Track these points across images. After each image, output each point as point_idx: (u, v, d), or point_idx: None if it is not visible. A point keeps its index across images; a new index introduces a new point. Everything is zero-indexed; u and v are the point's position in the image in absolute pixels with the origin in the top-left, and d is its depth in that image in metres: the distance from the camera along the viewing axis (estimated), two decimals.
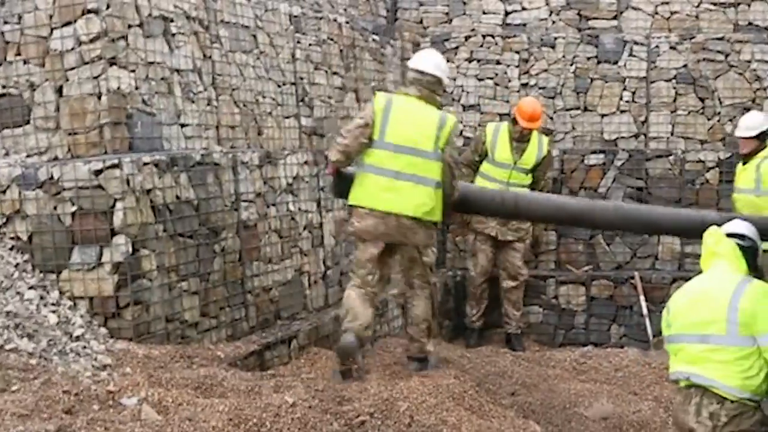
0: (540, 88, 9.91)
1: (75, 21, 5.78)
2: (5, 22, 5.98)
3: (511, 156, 8.84)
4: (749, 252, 5.06)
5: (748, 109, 9.50)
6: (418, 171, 6.08)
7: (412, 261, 6.36)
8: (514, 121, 8.84)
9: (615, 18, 10.06)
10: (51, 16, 5.85)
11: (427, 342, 6.57)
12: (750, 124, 8.43)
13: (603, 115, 9.82)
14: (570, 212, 6.79)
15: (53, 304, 5.45)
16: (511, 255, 9.05)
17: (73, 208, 5.57)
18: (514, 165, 8.85)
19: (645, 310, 9.11)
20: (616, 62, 9.78)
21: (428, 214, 6.15)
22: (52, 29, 5.85)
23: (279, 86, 7.52)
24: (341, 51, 8.55)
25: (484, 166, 9.00)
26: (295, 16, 7.79)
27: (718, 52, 9.59)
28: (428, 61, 6.32)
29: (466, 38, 10.08)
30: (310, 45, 7.99)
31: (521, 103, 8.99)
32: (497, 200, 6.90)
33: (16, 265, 5.60)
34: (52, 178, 5.62)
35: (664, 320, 5.22)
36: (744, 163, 8.51)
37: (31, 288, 5.47)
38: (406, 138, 6.08)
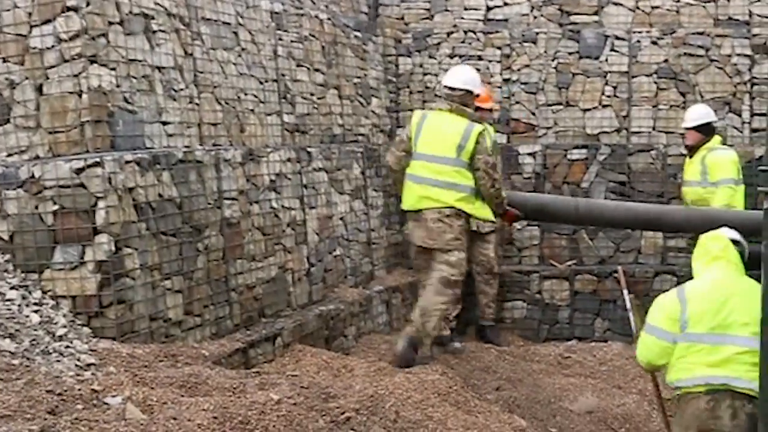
0: (522, 84, 9.93)
1: (54, 19, 5.73)
2: None
3: None
4: (743, 256, 5.35)
5: (728, 103, 9.58)
6: (447, 177, 6.86)
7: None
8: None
9: (596, 13, 10.09)
10: (30, 14, 5.79)
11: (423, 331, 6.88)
12: (692, 115, 8.61)
13: (585, 110, 9.85)
14: (643, 218, 7.05)
15: (35, 304, 5.41)
16: (484, 248, 9.07)
17: (55, 207, 5.54)
18: None
19: (629, 304, 9.13)
20: (597, 57, 9.80)
21: (453, 216, 6.86)
22: (31, 27, 5.79)
23: (261, 83, 7.49)
24: (323, 47, 8.53)
25: None
26: (277, 13, 7.77)
27: (699, 46, 9.63)
28: (457, 77, 7.14)
29: (448, 34, 10.09)
30: (291, 42, 7.97)
31: None
32: (572, 208, 7.57)
33: None
34: (33, 177, 5.58)
35: (669, 318, 5.20)
36: (690, 156, 8.66)
37: (12, 288, 5.43)
38: (433, 147, 6.92)
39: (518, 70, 9.95)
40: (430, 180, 6.90)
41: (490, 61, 9.99)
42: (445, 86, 7.16)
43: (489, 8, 10.28)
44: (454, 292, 6.99)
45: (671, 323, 5.18)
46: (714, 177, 8.37)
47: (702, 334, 5.04)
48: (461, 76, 7.14)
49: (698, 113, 8.60)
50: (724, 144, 8.80)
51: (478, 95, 7.39)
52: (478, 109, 8.69)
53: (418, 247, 7.08)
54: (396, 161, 7.18)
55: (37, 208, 5.57)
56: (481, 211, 7.05)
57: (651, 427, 6.63)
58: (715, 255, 5.33)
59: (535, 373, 7.53)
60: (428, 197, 6.88)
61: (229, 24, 7.09)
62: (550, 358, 8.15)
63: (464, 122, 6.93)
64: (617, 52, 9.76)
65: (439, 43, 10.10)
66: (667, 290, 9.28)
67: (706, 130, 8.56)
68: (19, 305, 5.31)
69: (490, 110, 8.98)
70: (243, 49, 7.25)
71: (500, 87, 9.93)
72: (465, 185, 6.88)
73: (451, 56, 10.04)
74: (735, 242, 5.38)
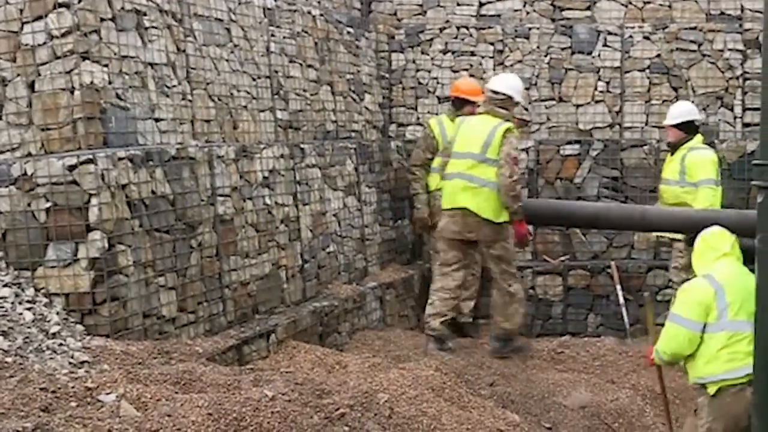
0: None
1: (46, 15, 5.72)
2: None
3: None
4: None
5: (721, 98, 9.60)
6: (476, 173, 7.52)
7: (485, 254, 7.84)
8: (461, 106, 8.82)
9: (589, 8, 10.10)
10: (21, 11, 5.77)
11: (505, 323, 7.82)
12: (676, 112, 8.46)
13: (578, 106, 9.86)
14: (694, 221, 7.06)
15: (28, 302, 5.40)
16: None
17: (48, 204, 5.52)
18: None
19: (621, 300, 9.16)
20: (590, 53, 9.81)
21: (487, 211, 7.47)
22: (22, 23, 5.78)
23: (254, 79, 7.48)
24: (316, 44, 8.53)
25: (439, 161, 8.97)
26: (269, 9, 7.76)
27: (691, 41, 9.65)
28: (500, 82, 7.79)
29: (441, 30, 10.08)
30: (284, 38, 7.96)
31: (456, 84, 9.14)
32: (636, 216, 7.67)
33: None
34: (25, 174, 5.56)
35: (701, 306, 5.18)
36: (671, 154, 8.52)
37: (5, 285, 5.42)
38: (465, 145, 7.64)
39: (511, 65, 9.94)
40: (460, 174, 7.61)
41: (482, 57, 9.99)
42: (489, 89, 7.76)
43: (482, 4, 10.28)
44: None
45: (702, 312, 5.13)
46: (694, 177, 8.23)
47: (744, 323, 5.01)
48: (505, 81, 7.78)
49: (682, 110, 8.48)
50: (710, 143, 8.82)
51: (518, 103, 7.91)
52: (466, 102, 8.77)
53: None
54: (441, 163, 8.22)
55: (29, 205, 5.56)
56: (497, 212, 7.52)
57: (644, 421, 6.65)
58: (725, 252, 5.35)
59: (529, 368, 7.54)
60: (460, 191, 7.59)
61: (221, 20, 7.08)
62: (544, 354, 8.16)
63: (495, 121, 7.54)
64: (610, 47, 9.77)
65: (431, 39, 10.09)
66: (660, 285, 9.42)
67: (689, 128, 8.42)
68: (12, 303, 5.30)
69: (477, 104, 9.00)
70: (235, 46, 7.24)
71: None
72: (490, 181, 7.48)
73: (444, 52, 10.04)
74: None
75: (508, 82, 7.76)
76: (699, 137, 8.54)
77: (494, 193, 7.48)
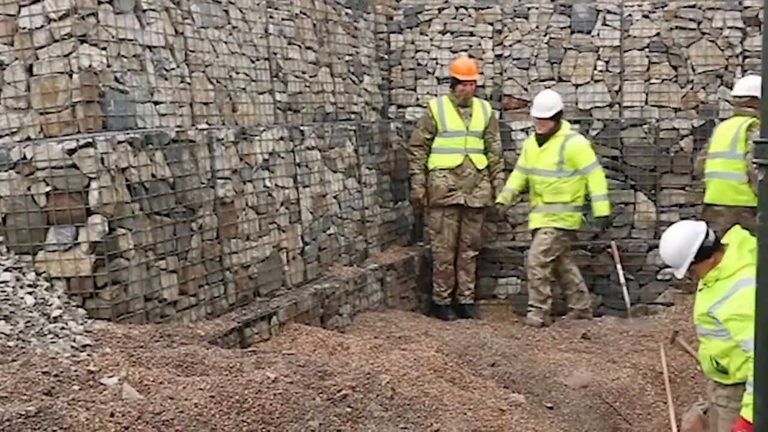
0: (514, 59, 9.89)
1: None
2: None
3: (462, 122, 9.04)
4: None
5: (720, 77, 9.56)
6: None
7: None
8: (453, 86, 9.05)
9: None
10: None
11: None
12: (547, 104, 8.65)
13: (577, 85, 9.82)
14: None
15: (30, 286, 5.40)
16: (472, 226, 9.19)
17: (48, 189, 5.52)
18: (467, 131, 8.99)
19: (622, 279, 9.18)
20: (589, 32, 9.77)
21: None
22: (20, 6, 5.75)
23: (252, 62, 7.46)
24: (314, 25, 8.49)
25: (438, 142, 9.07)
26: None
27: (691, 19, 9.60)
28: (742, 85, 8.26)
29: (440, 10, 10.03)
30: (282, 19, 7.92)
31: (453, 63, 9.29)
32: None
33: None
34: (25, 158, 5.55)
35: None
36: (540, 144, 8.70)
37: (6, 270, 5.42)
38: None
39: (510, 45, 9.91)
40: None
41: (482, 37, 9.95)
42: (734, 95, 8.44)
43: None
44: None
45: None
46: (580, 164, 8.58)
47: None
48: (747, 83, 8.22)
49: (552, 101, 8.66)
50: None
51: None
52: (458, 82, 8.85)
53: None
54: None
55: (29, 189, 5.56)
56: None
57: (645, 400, 6.67)
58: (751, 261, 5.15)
59: (530, 348, 7.56)
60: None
61: (219, 2, 7.05)
62: (545, 334, 8.18)
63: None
64: (609, 26, 9.73)
65: (430, 20, 10.05)
66: (660, 265, 9.41)
67: (559, 118, 8.67)
68: (14, 287, 5.30)
69: (473, 83, 9.01)
70: (234, 28, 7.21)
71: (492, 63, 9.89)
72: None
73: (443, 32, 10.00)
74: None
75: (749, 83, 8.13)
76: (567, 124, 8.87)
77: None
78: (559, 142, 8.62)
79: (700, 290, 5.29)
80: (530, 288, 8.85)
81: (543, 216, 8.81)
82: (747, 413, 4.70)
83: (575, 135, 8.85)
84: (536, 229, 8.85)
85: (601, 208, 8.71)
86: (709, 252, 5.10)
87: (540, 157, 8.69)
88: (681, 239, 5.14)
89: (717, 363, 5.11)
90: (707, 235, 5.14)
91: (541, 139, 8.71)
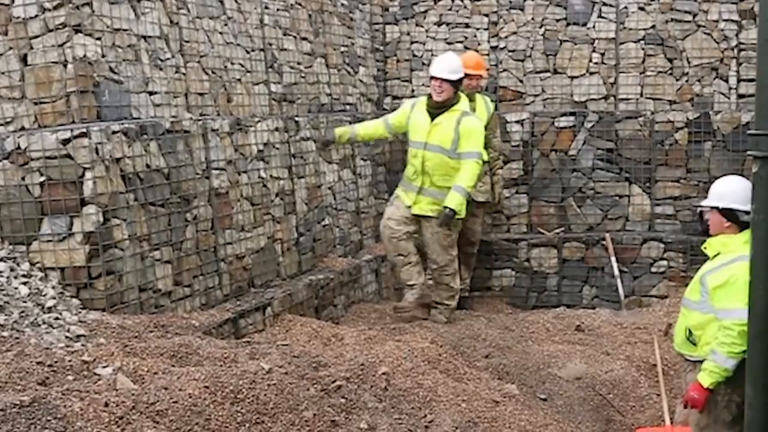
0: (509, 51, 9.89)
1: None
2: None
3: None
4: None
5: (716, 69, 9.56)
6: None
7: None
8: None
9: None
10: None
11: None
12: (452, 65, 7.24)
13: (572, 77, 9.82)
14: None
15: (24, 276, 5.40)
16: (471, 221, 9.08)
17: (42, 179, 5.51)
18: None
19: (616, 271, 9.20)
20: (585, 24, 9.77)
21: None
22: None
23: (248, 52, 7.44)
24: (310, 16, 8.48)
25: None
26: None
27: (686, 12, 9.60)
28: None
29: (435, 1, 10.02)
30: (278, 10, 7.91)
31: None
32: None
33: None
34: (19, 148, 5.54)
35: None
36: (433, 117, 7.26)
37: (0, 260, 5.42)
38: None
39: (506, 37, 9.91)
40: None
41: (477, 29, 9.94)
42: None
43: None
44: None
45: None
46: (465, 146, 7.19)
47: None
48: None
49: (458, 64, 7.31)
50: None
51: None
52: (465, 76, 8.72)
53: None
54: None
55: (23, 179, 5.55)
56: None
57: (638, 392, 6.68)
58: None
59: (524, 340, 7.57)
60: None
61: None
62: (539, 326, 8.19)
63: None
64: (605, 18, 9.72)
65: (426, 11, 10.04)
66: (655, 257, 9.43)
67: (460, 86, 7.38)
68: (8, 277, 5.30)
69: (479, 77, 8.93)
70: (229, 18, 7.20)
71: (487, 55, 9.88)
72: None
73: (439, 24, 9.99)
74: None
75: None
76: (465, 99, 7.65)
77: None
78: (455, 117, 7.27)
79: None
80: (437, 284, 7.69)
81: (431, 202, 7.41)
82: (703, 377, 4.96)
83: (471, 114, 7.60)
84: (422, 216, 7.47)
85: (456, 200, 7.21)
86: (737, 219, 5.10)
87: (433, 132, 7.27)
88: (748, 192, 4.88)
89: (690, 333, 5.18)
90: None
91: (435, 111, 7.30)
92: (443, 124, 7.26)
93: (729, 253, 5.06)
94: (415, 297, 7.55)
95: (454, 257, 7.68)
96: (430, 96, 7.38)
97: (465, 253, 9.21)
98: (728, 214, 5.12)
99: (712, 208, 5.19)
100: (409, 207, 7.48)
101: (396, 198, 7.62)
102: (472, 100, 8.92)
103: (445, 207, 7.22)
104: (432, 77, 7.27)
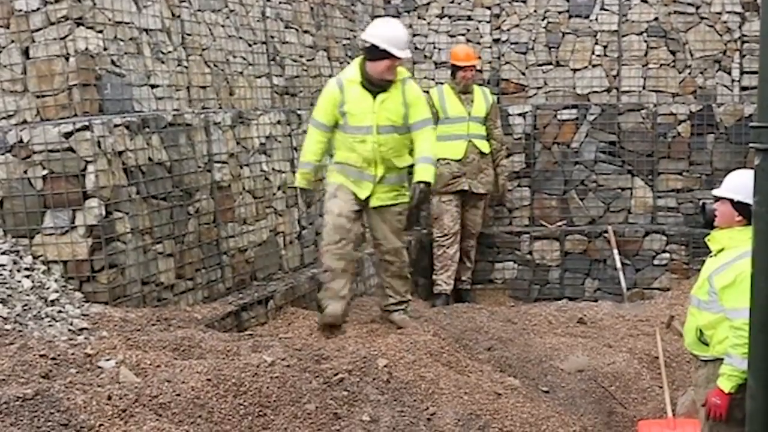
0: (512, 44, 9.87)
1: None
2: None
3: (463, 108, 8.88)
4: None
5: (719, 62, 9.55)
6: None
7: None
8: (454, 73, 8.91)
9: None
10: None
11: None
12: (407, 40, 6.32)
13: (575, 70, 9.81)
14: None
15: (27, 269, 5.41)
16: (473, 213, 9.10)
17: (44, 172, 5.51)
18: (469, 116, 8.87)
19: (619, 264, 9.19)
20: (587, 16, 9.75)
21: None
22: None
23: (249, 45, 7.44)
24: (312, 9, 8.47)
25: (441, 129, 8.82)
26: None
27: (689, 4, 9.58)
28: None
29: None
30: (280, 3, 7.90)
31: (452, 50, 9.12)
32: None
33: None
34: (21, 141, 5.54)
35: None
36: (375, 94, 6.22)
37: (3, 253, 5.42)
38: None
39: (508, 30, 9.89)
40: None
41: (479, 21, 9.93)
42: None
43: None
44: None
45: None
46: (418, 115, 6.29)
47: None
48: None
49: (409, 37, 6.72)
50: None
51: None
52: (458, 69, 8.76)
53: None
54: None
55: (26, 172, 5.55)
56: None
57: (641, 384, 6.68)
58: None
59: (526, 332, 7.57)
60: None
61: None
62: (541, 318, 8.19)
63: None
64: (607, 10, 9.71)
65: (428, 4, 10.02)
66: (657, 250, 9.43)
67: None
68: (11, 270, 5.31)
69: (473, 68, 8.92)
70: (231, 11, 7.19)
71: (490, 47, 9.87)
72: None
73: (441, 17, 9.97)
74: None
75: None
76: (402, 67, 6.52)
77: None
78: (399, 88, 6.28)
79: (710, 257, 5.28)
80: (393, 278, 6.66)
81: (391, 189, 6.43)
82: (722, 382, 4.78)
83: (410, 76, 6.56)
84: (379, 207, 6.42)
85: (430, 171, 6.27)
86: (746, 212, 5.05)
87: (381, 112, 6.21)
88: None
89: (701, 333, 5.13)
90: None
91: (378, 88, 6.23)
92: (389, 99, 6.25)
93: (732, 249, 5.03)
94: (344, 309, 6.46)
95: (406, 243, 7.08)
96: (364, 72, 6.28)
97: (466, 245, 9.22)
98: (741, 208, 5.07)
99: (726, 199, 5.12)
100: (361, 200, 6.39)
101: (340, 189, 6.38)
102: (469, 91, 8.93)
103: (420, 182, 6.22)
104: (392, 56, 6.12)
